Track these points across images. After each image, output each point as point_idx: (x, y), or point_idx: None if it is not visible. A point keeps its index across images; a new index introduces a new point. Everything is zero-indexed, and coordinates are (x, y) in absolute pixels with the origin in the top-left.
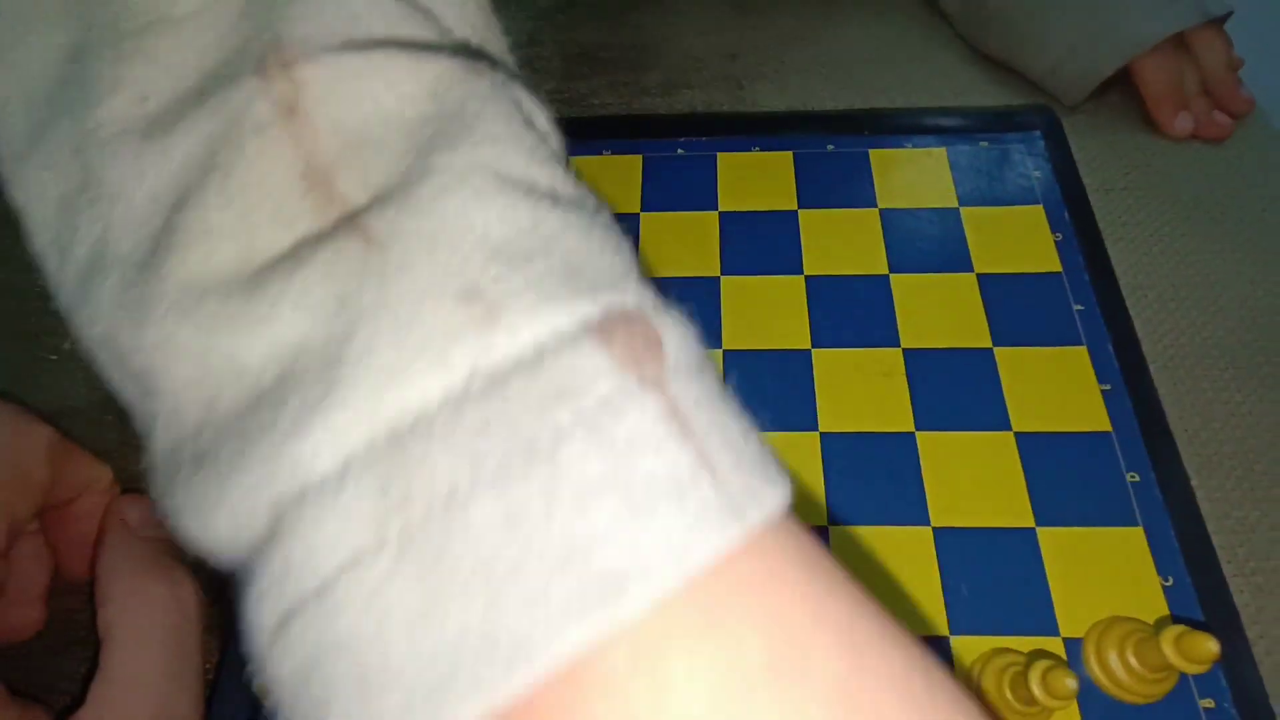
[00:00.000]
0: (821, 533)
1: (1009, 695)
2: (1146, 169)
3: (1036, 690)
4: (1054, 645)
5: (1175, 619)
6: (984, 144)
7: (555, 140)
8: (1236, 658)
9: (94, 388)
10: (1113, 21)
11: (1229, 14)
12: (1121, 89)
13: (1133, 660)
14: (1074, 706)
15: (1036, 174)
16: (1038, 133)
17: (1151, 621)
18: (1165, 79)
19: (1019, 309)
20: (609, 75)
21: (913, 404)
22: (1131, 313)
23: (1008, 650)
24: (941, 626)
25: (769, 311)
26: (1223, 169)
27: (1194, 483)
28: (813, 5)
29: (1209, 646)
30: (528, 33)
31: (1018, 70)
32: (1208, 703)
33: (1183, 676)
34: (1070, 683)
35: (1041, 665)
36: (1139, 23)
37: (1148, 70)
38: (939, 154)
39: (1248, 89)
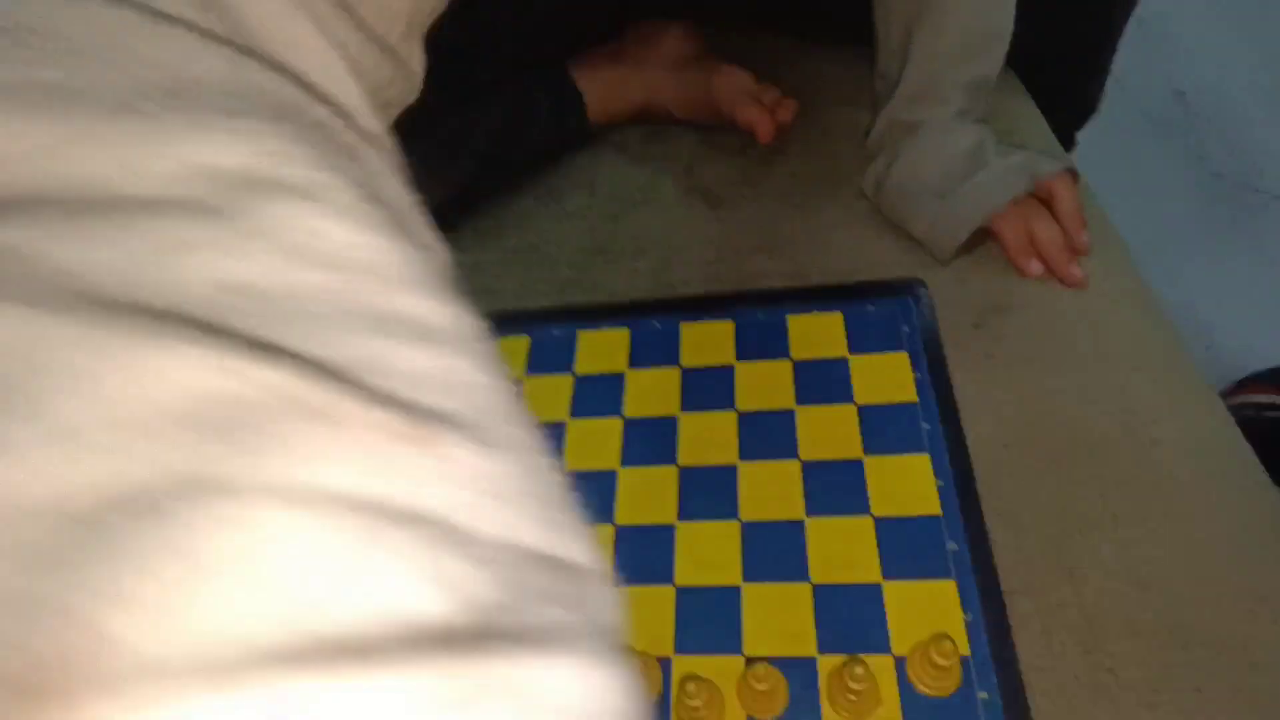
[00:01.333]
0: (735, 590)
1: (848, 683)
2: (1008, 311)
3: (848, 680)
4: (885, 661)
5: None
6: (870, 308)
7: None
8: (1005, 664)
9: None
10: (965, 195)
11: (1071, 169)
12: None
13: (927, 664)
14: (897, 708)
15: (905, 329)
16: (910, 299)
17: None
18: (1015, 233)
19: (885, 426)
20: (616, 264)
21: (806, 496)
22: (980, 425)
23: (849, 661)
24: (812, 649)
25: (711, 436)
26: (1073, 301)
27: (1007, 547)
28: (770, 197)
29: (946, 645)
30: (550, 229)
31: (906, 232)
32: (984, 694)
33: (966, 677)
34: (859, 669)
35: (849, 665)
36: (985, 195)
37: (1001, 227)
38: (836, 316)
39: (1089, 234)
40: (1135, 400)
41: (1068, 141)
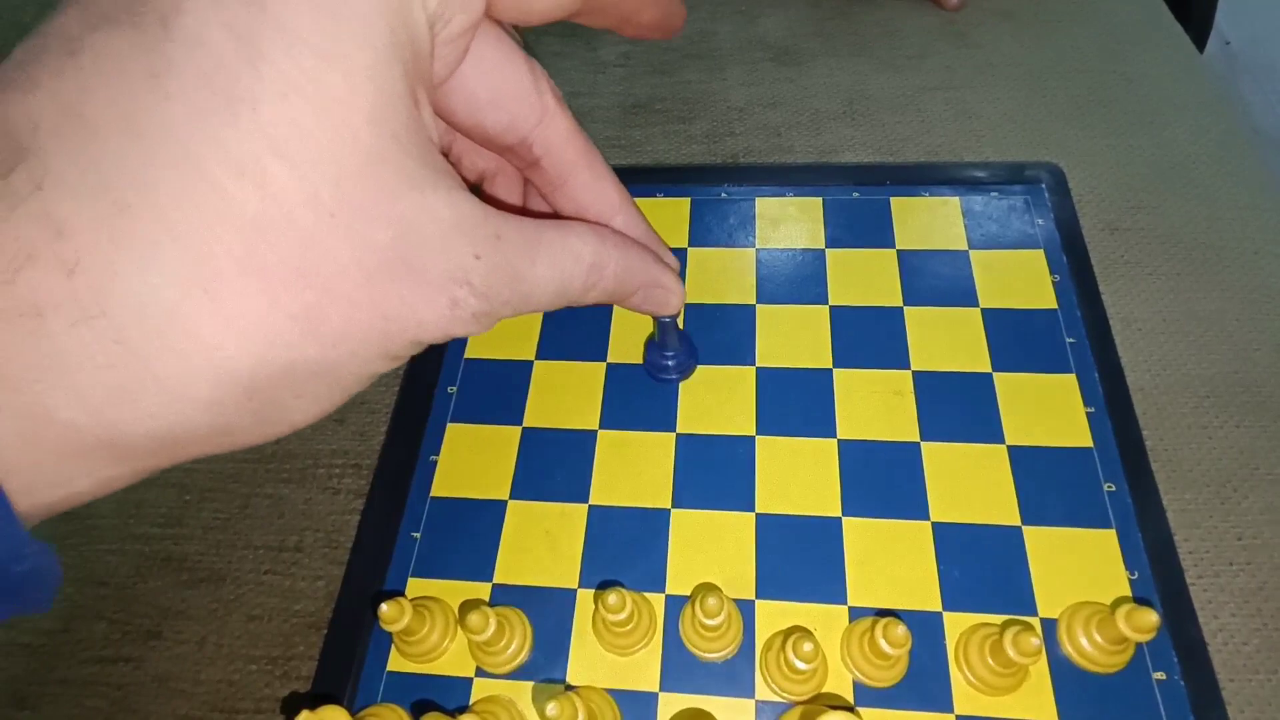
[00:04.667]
0: (835, 523)
1: (990, 660)
2: (1150, 210)
3: (1010, 650)
4: (1032, 623)
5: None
6: (994, 195)
7: None
8: (1186, 638)
9: None
10: None
11: None
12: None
13: (1096, 635)
14: (1047, 681)
15: (1039, 222)
16: (1042, 185)
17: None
18: None
19: (1017, 340)
20: (661, 125)
21: (919, 418)
22: (1119, 344)
23: (987, 624)
24: (935, 604)
25: (797, 336)
26: (1218, 213)
27: (1164, 494)
28: (841, 56)
29: (1150, 618)
30: (588, 85)
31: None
32: (1160, 675)
33: (1139, 653)
34: (1034, 640)
35: (1012, 630)
36: None
37: None
38: (953, 203)
39: None
40: None
41: None
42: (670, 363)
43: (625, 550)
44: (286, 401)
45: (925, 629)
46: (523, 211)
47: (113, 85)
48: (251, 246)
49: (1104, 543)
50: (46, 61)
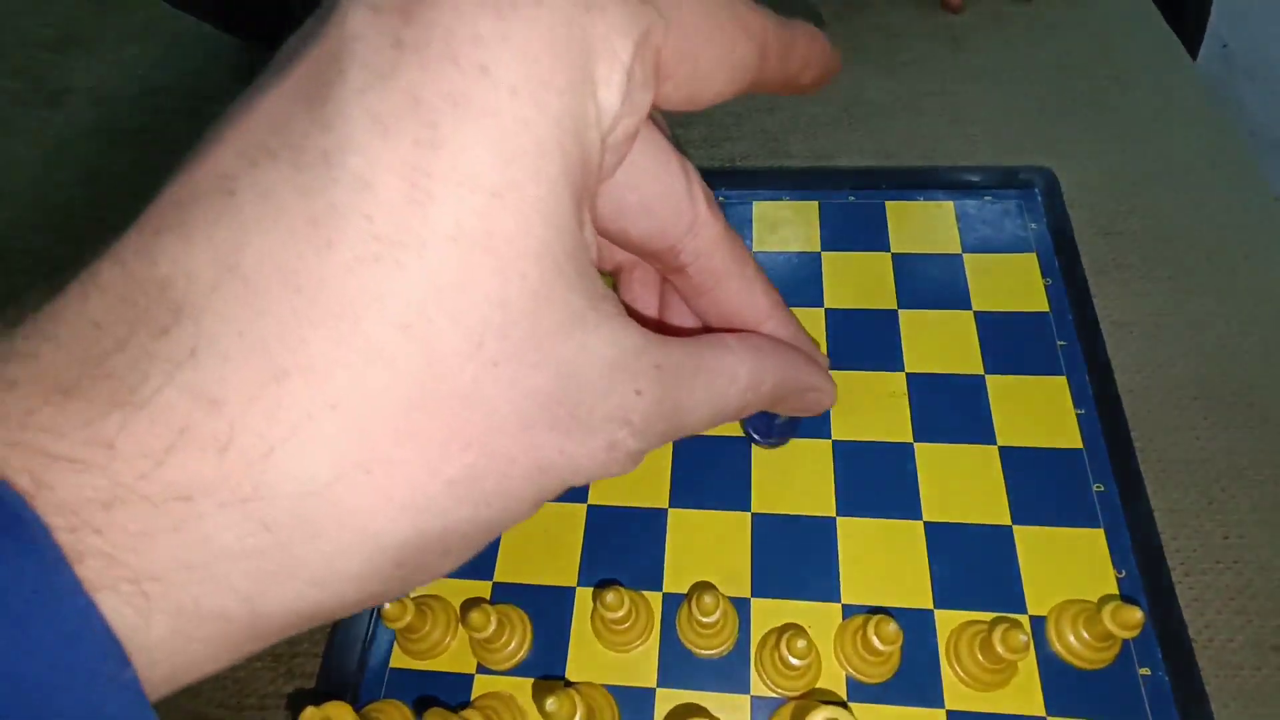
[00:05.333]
0: (830, 522)
1: (979, 657)
2: (1142, 214)
3: (998, 647)
4: (1021, 620)
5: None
6: (988, 199)
7: None
8: (1171, 635)
9: None
10: None
11: None
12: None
13: (1083, 632)
14: (1036, 677)
15: (1032, 226)
16: (1035, 190)
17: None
18: None
19: (1009, 342)
20: None
21: (913, 419)
22: (1110, 346)
23: (977, 621)
24: (927, 601)
25: None
26: (1209, 217)
27: (1152, 494)
28: (847, 57)
29: (1135, 615)
30: None
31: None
32: (1145, 671)
33: (1126, 650)
34: (1022, 637)
35: (1000, 627)
36: None
37: None
38: (947, 207)
39: None
40: None
41: None
42: (774, 435)
43: (623, 549)
44: (433, 563)
45: (917, 626)
46: (660, 318)
47: (270, 234)
48: (411, 414)
49: (1093, 542)
50: (202, 204)
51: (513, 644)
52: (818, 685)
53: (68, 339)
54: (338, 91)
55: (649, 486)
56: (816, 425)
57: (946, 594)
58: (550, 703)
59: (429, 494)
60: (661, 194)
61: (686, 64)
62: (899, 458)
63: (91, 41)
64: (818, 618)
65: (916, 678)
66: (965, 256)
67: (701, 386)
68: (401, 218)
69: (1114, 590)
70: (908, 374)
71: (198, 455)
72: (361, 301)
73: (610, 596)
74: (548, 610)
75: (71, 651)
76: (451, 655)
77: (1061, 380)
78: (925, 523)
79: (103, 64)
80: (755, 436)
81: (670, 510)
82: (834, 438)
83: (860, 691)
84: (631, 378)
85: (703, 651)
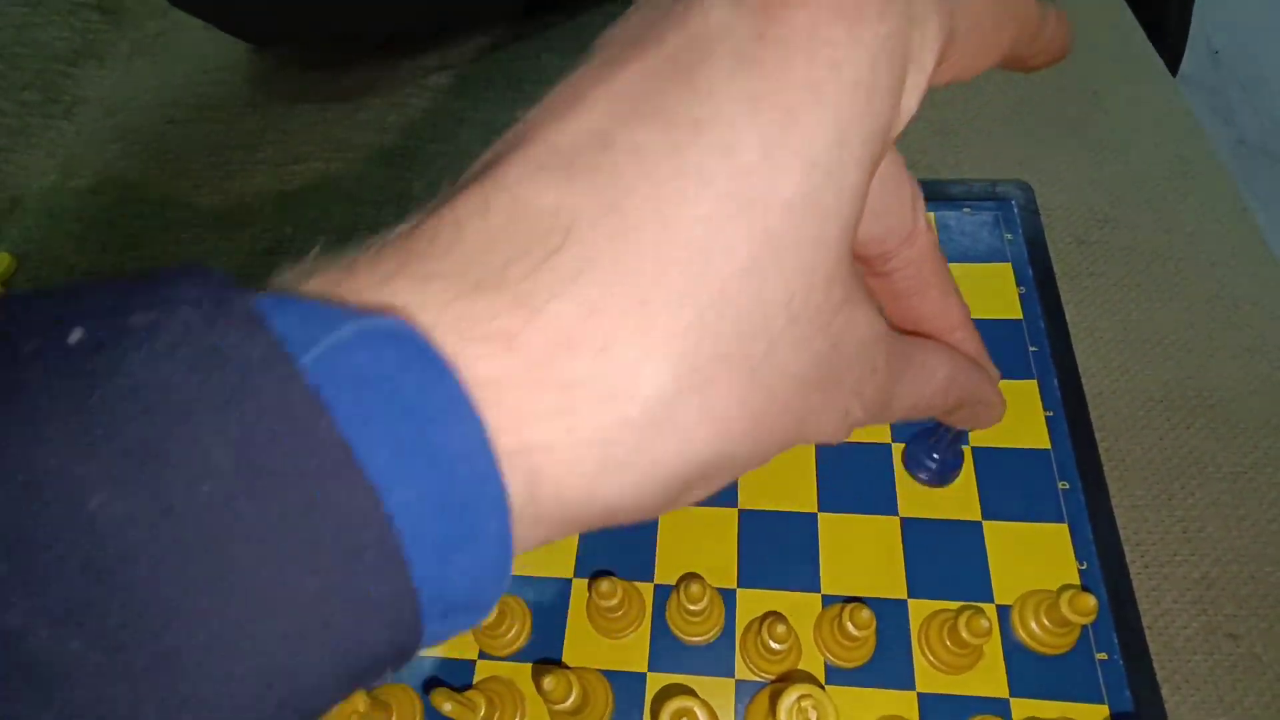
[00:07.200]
0: (811, 518)
1: (947, 642)
2: (1115, 225)
3: (963, 631)
4: (989, 609)
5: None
6: (967, 210)
7: None
8: (1126, 622)
9: None
10: None
11: None
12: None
13: (1044, 619)
14: (1000, 661)
15: (1009, 237)
16: (1013, 202)
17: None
18: None
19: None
20: None
21: (892, 425)
22: (1080, 352)
23: (946, 609)
24: (901, 592)
25: None
26: (1178, 227)
27: (1114, 492)
28: None
29: (1089, 601)
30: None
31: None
32: (1102, 655)
33: (1085, 635)
34: (984, 622)
35: (965, 614)
36: None
37: None
38: (928, 218)
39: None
40: (1262, 342)
41: None
42: (933, 467)
43: (617, 542)
44: (695, 489)
45: (891, 614)
46: None
47: (644, 181)
48: (737, 349)
49: (1057, 536)
50: (583, 152)
51: (512, 631)
52: (798, 668)
53: (472, 246)
54: (707, 71)
55: None
56: None
57: (919, 585)
58: (547, 681)
59: (732, 424)
60: (891, 201)
61: (956, 59)
62: (877, 457)
63: (105, 54)
64: (799, 607)
65: (890, 662)
66: None
67: (910, 378)
68: (754, 182)
69: (1076, 581)
70: None
71: (578, 357)
72: (714, 248)
73: (605, 586)
74: (546, 599)
75: (491, 485)
76: (453, 642)
77: (1032, 384)
78: (901, 518)
79: (115, 75)
80: (913, 470)
81: None
82: (817, 449)
83: (838, 675)
84: (872, 356)
85: (691, 638)
